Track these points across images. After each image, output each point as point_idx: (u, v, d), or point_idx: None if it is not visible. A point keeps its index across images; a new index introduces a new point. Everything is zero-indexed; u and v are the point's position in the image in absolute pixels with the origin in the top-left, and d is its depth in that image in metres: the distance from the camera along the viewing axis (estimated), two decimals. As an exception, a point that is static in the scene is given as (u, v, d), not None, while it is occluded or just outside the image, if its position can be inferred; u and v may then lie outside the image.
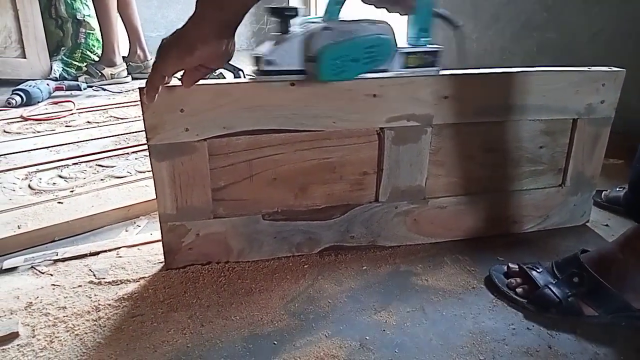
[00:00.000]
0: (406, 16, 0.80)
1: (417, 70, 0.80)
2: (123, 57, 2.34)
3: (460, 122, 0.84)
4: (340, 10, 0.76)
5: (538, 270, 0.77)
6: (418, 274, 0.83)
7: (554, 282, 0.74)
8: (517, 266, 0.80)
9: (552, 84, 0.86)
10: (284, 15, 0.72)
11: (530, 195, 0.93)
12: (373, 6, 0.76)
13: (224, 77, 1.69)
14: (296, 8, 0.73)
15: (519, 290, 0.76)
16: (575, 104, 0.88)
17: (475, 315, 0.74)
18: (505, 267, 0.81)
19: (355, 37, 0.72)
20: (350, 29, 0.72)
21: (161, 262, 0.84)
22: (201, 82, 0.73)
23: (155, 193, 0.77)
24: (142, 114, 0.72)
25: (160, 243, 0.82)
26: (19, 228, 0.92)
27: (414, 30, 0.80)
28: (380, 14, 0.78)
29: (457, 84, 0.82)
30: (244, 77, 0.80)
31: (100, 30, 2.22)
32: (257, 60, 0.74)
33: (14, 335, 0.68)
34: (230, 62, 1.82)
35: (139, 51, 2.36)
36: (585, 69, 0.88)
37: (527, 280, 0.77)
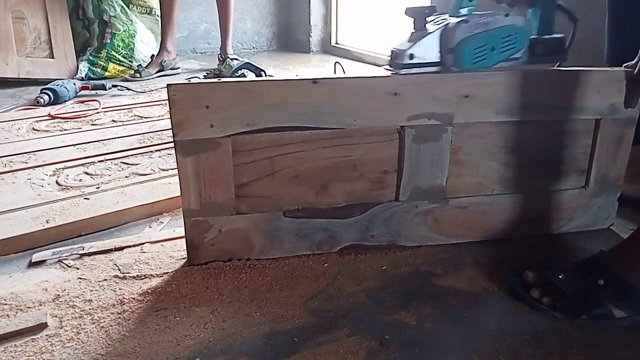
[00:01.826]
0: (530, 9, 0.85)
1: (546, 58, 0.85)
2: (152, 55, 2.40)
3: (481, 121, 0.84)
4: (474, 6, 0.80)
5: (561, 276, 0.75)
6: (439, 275, 0.83)
7: (579, 287, 0.72)
8: (534, 272, 0.77)
9: (574, 83, 0.85)
10: (422, 13, 0.78)
11: (552, 196, 0.92)
12: (495, 1, 0.82)
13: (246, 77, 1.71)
14: (434, 6, 0.79)
15: (544, 300, 0.74)
16: (598, 104, 0.87)
17: (497, 317, 0.73)
18: (523, 275, 0.78)
19: (492, 27, 0.78)
20: (486, 20, 0.78)
21: (184, 258, 0.85)
22: (225, 79, 0.74)
23: (180, 188, 0.78)
24: (169, 110, 0.74)
25: (183, 240, 0.84)
26: (47, 223, 0.95)
27: (538, 21, 0.85)
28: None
29: (478, 83, 0.81)
30: (265, 76, 0.81)
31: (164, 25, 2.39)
32: (398, 55, 0.79)
33: (43, 326, 0.70)
34: (252, 63, 1.84)
35: (170, 48, 2.42)
36: (608, 68, 0.87)
37: (549, 287, 0.75)
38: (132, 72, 2.33)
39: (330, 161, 0.82)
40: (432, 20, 0.81)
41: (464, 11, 0.80)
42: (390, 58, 0.81)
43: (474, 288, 0.80)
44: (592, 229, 0.96)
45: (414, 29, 0.80)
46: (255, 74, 1.68)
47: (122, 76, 2.35)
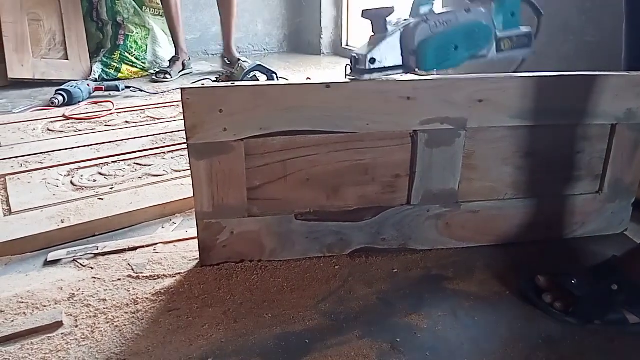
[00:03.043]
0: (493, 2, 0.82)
1: (513, 53, 0.82)
2: (173, 57, 2.44)
3: (495, 126, 0.84)
4: (433, 4, 0.77)
5: (573, 281, 0.74)
6: (450, 278, 0.83)
7: (592, 292, 0.72)
8: (547, 277, 0.77)
9: (590, 88, 0.84)
10: (381, 15, 0.75)
11: (565, 201, 0.92)
12: None
13: (258, 80, 1.72)
14: (392, 7, 0.76)
15: (557, 305, 0.74)
16: (614, 109, 0.86)
17: (508, 322, 0.73)
18: (535, 280, 0.78)
19: (454, 25, 0.75)
20: (448, 19, 0.75)
21: (196, 259, 0.86)
22: (238, 83, 0.75)
23: (193, 191, 0.79)
24: (183, 114, 0.74)
25: (195, 240, 0.85)
26: (62, 222, 0.96)
27: (503, 15, 0.81)
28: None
29: (493, 87, 0.81)
30: (277, 79, 0.82)
31: (171, 28, 2.43)
32: (358, 60, 0.76)
33: (59, 324, 0.71)
34: (263, 65, 1.85)
35: (184, 47, 2.45)
36: (625, 73, 0.86)
37: (562, 291, 0.74)
38: (156, 73, 2.36)
39: (342, 165, 0.82)
40: (392, 22, 0.77)
41: (424, 10, 0.76)
42: (351, 64, 0.78)
43: (485, 292, 0.79)
44: (606, 234, 0.96)
45: (373, 32, 0.76)
46: (267, 76, 1.68)
47: (151, 77, 2.38)
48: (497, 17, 0.82)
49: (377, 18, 0.75)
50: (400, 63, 0.76)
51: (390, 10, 0.75)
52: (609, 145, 0.89)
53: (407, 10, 0.78)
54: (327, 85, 0.76)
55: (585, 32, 1.61)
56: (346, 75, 0.78)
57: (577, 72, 0.85)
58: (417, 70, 0.77)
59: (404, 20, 0.76)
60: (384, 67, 0.76)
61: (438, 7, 0.78)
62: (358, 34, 3.09)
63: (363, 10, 0.76)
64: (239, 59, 2.43)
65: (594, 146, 0.89)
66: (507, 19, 0.81)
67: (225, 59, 2.54)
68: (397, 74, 0.77)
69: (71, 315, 0.73)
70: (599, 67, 0.92)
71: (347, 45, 3.09)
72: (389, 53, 0.75)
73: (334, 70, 2.62)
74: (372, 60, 0.74)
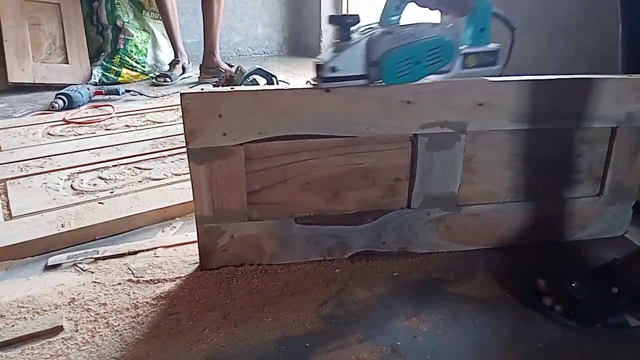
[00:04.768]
0: (464, 17, 0.81)
1: (478, 70, 0.81)
2: (174, 60, 2.44)
3: (495, 129, 0.84)
4: (400, 16, 0.76)
5: (574, 284, 0.74)
6: (450, 281, 0.83)
7: (592, 295, 0.72)
8: (546, 280, 0.77)
9: (590, 91, 0.84)
10: (345, 22, 0.74)
11: (566, 204, 0.92)
12: (428, 8, 0.77)
13: (258, 84, 1.72)
14: (357, 15, 0.75)
15: (557, 308, 0.73)
16: (614, 112, 0.87)
17: (508, 325, 0.73)
18: (536, 283, 0.78)
19: (417, 39, 0.74)
20: (412, 32, 0.74)
21: (196, 263, 0.86)
22: (237, 88, 0.75)
23: (193, 195, 0.79)
24: (182, 119, 0.75)
25: (196, 244, 0.85)
26: (62, 227, 0.96)
27: (472, 31, 0.80)
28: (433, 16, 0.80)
29: (493, 91, 0.81)
30: (277, 83, 0.82)
31: (168, 32, 2.42)
32: (320, 67, 0.75)
33: (59, 329, 0.71)
34: (263, 69, 1.84)
35: (183, 50, 2.46)
36: (625, 76, 0.86)
37: (562, 295, 0.74)
38: (156, 76, 2.36)
39: (342, 169, 0.83)
40: (359, 30, 0.76)
41: (391, 20, 0.75)
42: (314, 70, 0.76)
43: (485, 295, 0.79)
44: (606, 236, 0.96)
45: (338, 38, 0.75)
46: (267, 80, 1.69)
47: (151, 81, 2.38)
48: (466, 32, 0.81)
49: (342, 25, 0.74)
50: (363, 73, 0.75)
51: (355, 19, 0.74)
52: (609, 148, 0.89)
53: (377, 18, 0.78)
54: (327, 89, 0.76)
55: (585, 35, 1.61)
56: (308, 81, 0.78)
57: (577, 75, 0.85)
58: (378, 81, 0.76)
59: (369, 29, 0.75)
60: (346, 77, 0.75)
61: (408, 18, 0.77)
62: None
63: (329, 16, 0.75)
64: (223, 69, 2.40)
65: (594, 149, 0.89)
66: (476, 35, 0.80)
67: (209, 69, 2.43)
68: (358, 84, 0.76)
69: (72, 319, 0.73)
70: (599, 70, 0.92)
71: (346, 48, 3.10)
72: (351, 62, 0.74)
73: (334, 73, 2.63)
74: (333, 69, 0.74)
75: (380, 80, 0.76)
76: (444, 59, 0.77)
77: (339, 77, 0.75)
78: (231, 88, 0.77)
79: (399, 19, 0.76)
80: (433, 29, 0.75)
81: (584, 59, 1.62)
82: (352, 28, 0.74)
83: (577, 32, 1.63)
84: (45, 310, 0.75)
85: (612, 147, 0.89)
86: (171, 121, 1.67)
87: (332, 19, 0.75)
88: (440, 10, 0.80)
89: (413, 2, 0.76)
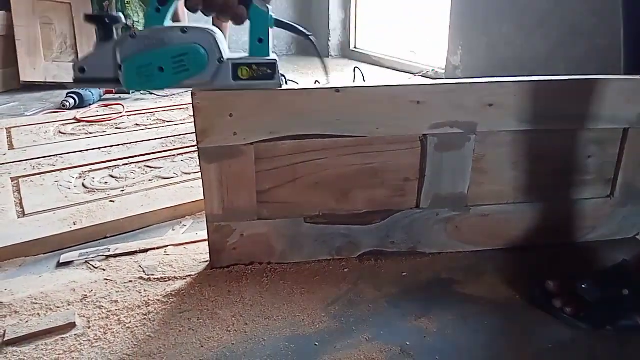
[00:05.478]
0: (241, 26, 0.75)
1: (254, 83, 0.75)
2: None
3: (505, 130, 0.84)
4: (165, 17, 0.71)
5: (584, 286, 0.74)
6: (459, 282, 0.83)
7: (603, 297, 0.72)
8: (556, 282, 0.77)
9: (601, 92, 0.84)
10: (104, 21, 0.70)
11: (576, 205, 0.91)
12: (201, 13, 0.72)
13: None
14: (118, 15, 0.71)
15: (567, 309, 0.73)
16: (626, 113, 0.86)
17: (518, 326, 0.73)
18: (545, 284, 0.77)
19: (162, 46, 0.70)
20: (162, 36, 0.70)
21: (206, 261, 0.87)
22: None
23: (204, 194, 0.80)
24: (194, 118, 0.75)
25: (206, 243, 0.86)
26: (74, 224, 0.98)
27: (250, 41, 0.74)
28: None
29: (503, 92, 0.81)
30: (286, 83, 0.82)
31: None
32: (73, 67, 0.71)
33: (72, 326, 0.72)
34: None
35: None
36: (637, 76, 0.86)
37: (572, 296, 0.74)
38: None
39: (352, 168, 0.83)
40: (131, 32, 0.71)
41: (152, 24, 0.71)
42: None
43: (494, 296, 0.79)
44: (617, 238, 0.95)
45: (98, 39, 0.71)
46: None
47: None
48: (247, 42, 0.75)
49: (100, 24, 0.70)
50: (113, 76, 0.71)
51: (116, 18, 0.71)
52: (620, 149, 0.89)
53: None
54: (337, 89, 0.77)
55: (596, 35, 1.60)
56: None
57: (588, 75, 0.84)
58: (123, 87, 0.73)
59: (130, 32, 0.71)
60: (96, 78, 0.72)
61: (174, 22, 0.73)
62: (366, 37, 3.09)
63: (84, 15, 0.73)
64: None
65: (605, 150, 0.89)
66: (254, 46, 0.74)
67: None
68: (110, 87, 0.74)
69: (84, 316, 0.74)
70: (610, 71, 0.92)
71: (355, 47, 3.10)
72: (102, 64, 0.71)
73: (342, 73, 2.63)
74: (82, 70, 0.70)
75: (124, 86, 0.72)
76: (192, 68, 0.71)
77: (89, 78, 0.71)
78: (242, 88, 0.77)
79: (164, 21, 0.71)
80: (184, 35, 0.71)
81: (594, 60, 1.61)
82: (115, 27, 0.71)
83: (587, 33, 1.62)
84: (58, 307, 0.76)
85: (624, 148, 0.88)
86: (181, 120, 1.68)
87: (88, 18, 0.72)
88: (213, 18, 0.77)
89: (179, 5, 0.71)
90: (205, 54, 0.72)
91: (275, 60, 0.75)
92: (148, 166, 1.28)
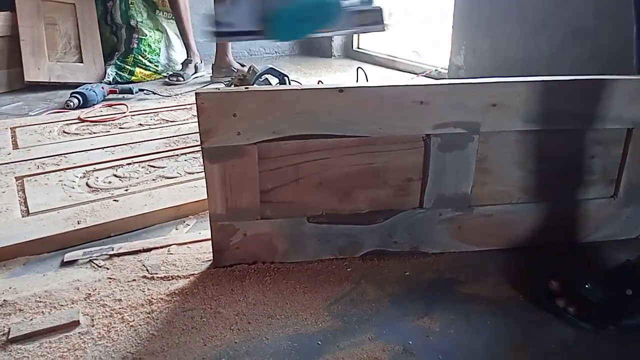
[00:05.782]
0: None
1: (363, 28, 0.82)
2: (186, 60, 2.46)
3: (508, 130, 0.84)
4: None
5: (587, 286, 0.74)
6: (462, 282, 0.83)
7: (606, 297, 0.72)
8: (559, 282, 0.77)
9: (605, 92, 0.84)
10: None
11: (579, 205, 0.91)
12: None
13: (270, 83, 1.73)
14: None
15: (570, 309, 0.73)
16: (631, 113, 0.86)
17: (521, 326, 0.73)
18: (548, 284, 0.77)
19: None
20: None
21: (209, 260, 0.87)
22: (252, 88, 0.76)
23: (207, 193, 0.80)
24: (197, 118, 0.76)
25: (209, 242, 0.86)
26: (78, 223, 0.98)
27: None
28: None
29: (505, 92, 0.81)
30: (289, 83, 0.82)
31: (181, 31, 2.45)
32: (208, 21, 0.74)
33: (76, 324, 0.72)
34: (275, 68, 1.85)
35: (196, 50, 2.47)
36: (641, 77, 0.86)
37: (575, 296, 0.74)
38: (169, 76, 2.37)
39: (355, 168, 0.83)
40: None
41: None
42: (206, 24, 0.74)
43: (497, 296, 0.79)
44: (620, 238, 0.95)
45: None
46: (279, 79, 1.69)
47: (164, 80, 2.40)
48: None
49: None
50: (253, 29, 0.75)
51: None
52: (624, 149, 0.89)
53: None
54: (340, 89, 0.77)
55: (600, 36, 1.59)
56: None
57: (592, 75, 0.84)
58: (269, 38, 0.76)
59: None
60: (235, 32, 0.74)
61: None
62: (369, 37, 3.09)
63: None
64: (235, 69, 2.38)
65: (609, 150, 0.89)
66: None
67: (221, 68, 2.42)
68: (249, 39, 0.77)
69: (88, 314, 0.75)
70: (614, 71, 0.92)
71: (358, 47, 3.10)
72: (243, 18, 0.73)
73: (345, 73, 2.63)
74: (222, 24, 0.73)
75: (272, 37, 0.76)
76: (330, 17, 0.78)
77: (231, 32, 0.74)
78: (245, 88, 0.77)
79: None
80: None
81: (598, 60, 1.61)
82: None
83: (591, 34, 1.61)
84: (62, 305, 0.76)
85: (628, 148, 0.88)
86: (184, 120, 1.68)
87: None
88: None
89: None
90: (339, 3, 0.79)
91: (381, 7, 0.84)
92: (152, 166, 1.29)
